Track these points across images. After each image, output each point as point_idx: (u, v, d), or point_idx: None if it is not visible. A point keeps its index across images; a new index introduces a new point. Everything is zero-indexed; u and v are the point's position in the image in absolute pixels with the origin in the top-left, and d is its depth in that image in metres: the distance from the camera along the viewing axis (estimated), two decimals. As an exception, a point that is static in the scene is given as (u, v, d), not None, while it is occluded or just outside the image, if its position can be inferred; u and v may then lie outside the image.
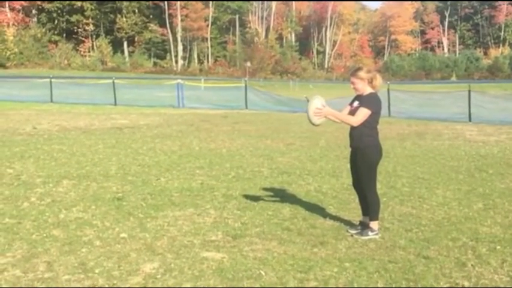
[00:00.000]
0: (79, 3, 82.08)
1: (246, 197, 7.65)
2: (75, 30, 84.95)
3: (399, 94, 25.10)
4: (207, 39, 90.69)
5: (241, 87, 30.09)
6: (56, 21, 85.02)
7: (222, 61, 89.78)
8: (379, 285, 4.54)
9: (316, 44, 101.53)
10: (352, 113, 5.83)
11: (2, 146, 12.19)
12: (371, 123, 5.80)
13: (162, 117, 21.33)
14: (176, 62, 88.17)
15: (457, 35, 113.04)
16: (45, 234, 5.80)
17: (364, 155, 5.85)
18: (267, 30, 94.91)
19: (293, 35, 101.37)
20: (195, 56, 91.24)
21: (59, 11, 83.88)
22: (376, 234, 5.80)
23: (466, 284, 4.58)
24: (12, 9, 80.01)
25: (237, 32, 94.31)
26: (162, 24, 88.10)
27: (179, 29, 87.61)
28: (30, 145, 12.48)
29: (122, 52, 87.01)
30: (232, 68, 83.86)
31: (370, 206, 5.92)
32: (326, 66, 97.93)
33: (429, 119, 21.00)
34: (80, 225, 6.17)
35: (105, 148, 12.28)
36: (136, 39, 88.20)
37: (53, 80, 31.73)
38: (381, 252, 5.35)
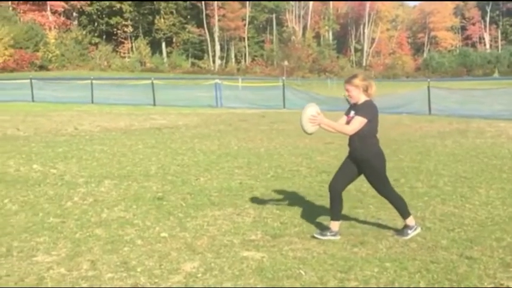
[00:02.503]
0: (118, 5, 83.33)
1: (285, 196, 7.65)
2: (115, 32, 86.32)
3: (440, 91, 24.69)
4: (244, 38, 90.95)
5: (278, 86, 30.10)
6: (96, 24, 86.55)
7: (259, 60, 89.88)
8: (421, 286, 4.48)
9: (354, 41, 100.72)
10: (349, 123, 5.71)
11: (46, 147, 12.46)
12: (371, 132, 5.69)
13: (200, 117, 21.49)
14: (214, 61, 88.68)
15: (499, 31, 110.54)
16: (88, 233, 5.91)
17: (372, 166, 5.76)
18: (304, 28, 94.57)
19: (330, 33, 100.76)
20: (233, 55, 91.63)
21: (99, 13, 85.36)
22: (415, 229, 5.73)
23: (511, 284, 4.48)
24: (53, 12, 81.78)
25: (274, 31, 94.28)
26: (200, 25, 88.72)
27: (216, 29, 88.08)
28: (72, 146, 12.73)
29: (160, 53, 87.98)
30: (269, 67, 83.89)
31: (396, 207, 5.85)
32: (364, 64, 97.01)
33: (471, 117, 20.60)
34: (122, 224, 6.27)
35: (145, 148, 12.44)
36: (174, 39, 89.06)
37: (93, 81, 32.28)
38: (422, 252, 5.28)
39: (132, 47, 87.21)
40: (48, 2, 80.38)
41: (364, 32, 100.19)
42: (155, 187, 8.27)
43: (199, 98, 30.03)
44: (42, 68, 70.54)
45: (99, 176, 9.12)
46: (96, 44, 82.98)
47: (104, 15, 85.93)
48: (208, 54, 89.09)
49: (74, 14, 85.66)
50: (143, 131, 16.20)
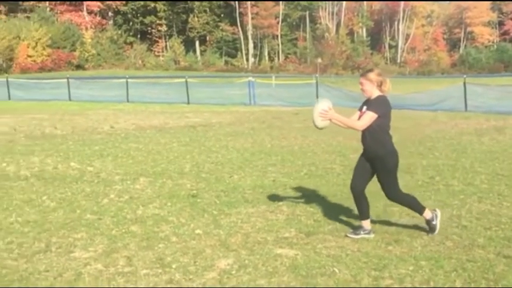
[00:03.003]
0: (152, 5, 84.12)
1: (319, 194, 7.64)
2: (149, 31, 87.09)
3: (476, 88, 24.23)
4: (277, 36, 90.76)
5: (312, 83, 29.96)
6: (131, 23, 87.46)
7: (292, 58, 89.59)
8: (456, 285, 4.43)
9: (388, 38, 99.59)
10: (361, 118, 5.66)
11: (83, 145, 12.68)
12: (382, 128, 5.59)
13: (234, 115, 21.56)
14: (247, 59, 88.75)
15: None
16: (124, 230, 6.01)
17: (385, 162, 5.66)
18: (338, 25, 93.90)
19: (364, 29, 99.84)
20: (266, 53, 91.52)
21: (134, 13, 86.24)
22: (435, 223, 5.66)
23: (550, 285, 4.40)
24: (89, 12, 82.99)
25: (308, 29, 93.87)
26: (233, 23, 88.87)
27: (250, 27, 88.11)
28: (108, 144, 12.92)
29: (194, 51, 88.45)
30: (303, 65, 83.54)
31: (408, 207, 5.80)
32: (399, 60, 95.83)
33: (508, 113, 20.16)
34: (157, 221, 6.35)
35: (179, 146, 12.55)
36: (208, 38, 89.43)
37: (128, 80, 32.65)
38: (458, 250, 5.21)
39: (166, 45, 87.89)
40: (84, 2, 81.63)
41: (398, 28, 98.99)
42: (189, 185, 8.35)
43: (232, 96, 30.11)
44: (78, 67, 71.69)
45: (134, 173, 9.25)
46: (131, 43, 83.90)
47: (138, 15, 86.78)
48: (241, 52, 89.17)
49: (110, 13, 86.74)
50: (177, 129, 16.34)
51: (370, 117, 5.51)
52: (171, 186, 8.28)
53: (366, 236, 5.63)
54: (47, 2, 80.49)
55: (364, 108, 5.66)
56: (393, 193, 5.72)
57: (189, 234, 5.84)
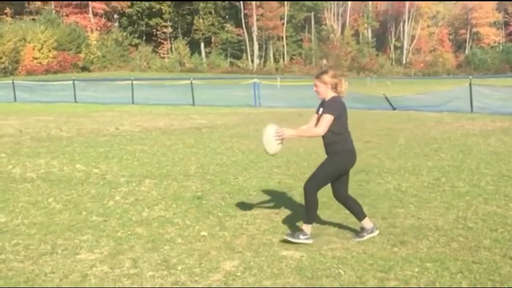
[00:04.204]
0: (158, 6, 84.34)
1: (323, 195, 7.58)
2: (154, 33, 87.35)
3: (482, 89, 24.18)
4: (282, 37, 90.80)
5: (317, 85, 29.89)
6: (136, 25, 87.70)
7: (297, 59, 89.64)
8: (463, 286, 4.43)
9: (393, 39, 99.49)
10: (318, 120, 5.58)
11: (88, 147, 12.72)
12: (336, 129, 5.49)
13: (239, 116, 21.58)
14: (252, 61, 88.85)
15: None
16: (129, 232, 6.02)
17: (332, 160, 5.59)
18: (343, 26, 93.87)
19: (369, 30, 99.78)
20: (271, 54, 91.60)
21: (139, 15, 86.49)
22: (308, 238, 5.49)
23: (557, 286, 4.38)
24: (95, 14, 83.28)
25: (313, 30, 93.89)
26: (238, 24, 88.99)
27: (255, 28, 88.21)
28: (113, 146, 12.95)
29: (199, 53, 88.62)
30: (308, 66, 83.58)
31: (307, 207, 5.61)
32: (404, 61, 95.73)
33: (515, 114, 20.13)
34: (162, 223, 6.36)
35: (184, 148, 12.57)
36: (213, 39, 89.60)
37: (134, 82, 32.71)
38: (464, 252, 5.20)
39: (171, 47, 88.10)
40: (89, 4, 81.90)
41: (404, 29, 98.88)
42: (194, 186, 8.36)
43: (237, 97, 30.14)
44: (84, 69, 71.97)
45: (139, 175, 9.26)
46: (136, 45, 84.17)
47: (144, 17, 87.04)
48: (246, 54, 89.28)
49: (115, 15, 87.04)
50: (183, 130, 16.37)
51: (327, 120, 5.42)
52: (176, 188, 8.29)
53: (371, 235, 5.62)
54: (53, 4, 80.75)
55: (320, 110, 5.59)
56: (311, 187, 5.55)
57: (195, 236, 5.85)
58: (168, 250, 5.41)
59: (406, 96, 27.28)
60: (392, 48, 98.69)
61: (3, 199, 7.59)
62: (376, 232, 5.67)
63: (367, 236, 5.62)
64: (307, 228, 5.54)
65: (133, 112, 24.34)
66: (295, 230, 5.67)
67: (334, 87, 5.57)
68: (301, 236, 5.47)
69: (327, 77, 5.55)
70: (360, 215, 5.75)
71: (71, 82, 34.16)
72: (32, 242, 5.71)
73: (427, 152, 11.40)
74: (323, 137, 5.56)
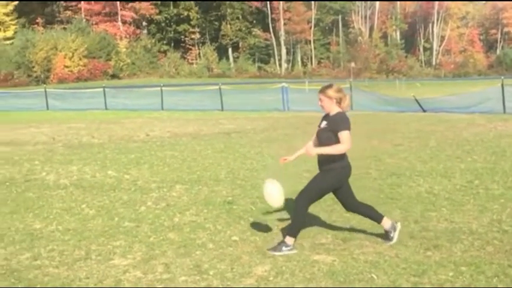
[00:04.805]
0: (186, 13, 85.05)
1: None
2: (182, 39, 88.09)
3: (515, 89, 23.75)
4: (310, 41, 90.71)
5: (345, 88, 29.77)
6: (165, 32, 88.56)
7: (325, 63, 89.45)
8: (498, 291, 4.35)
9: (422, 40, 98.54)
10: (319, 134, 5.60)
11: (119, 153, 12.86)
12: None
13: (267, 121, 21.59)
14: (280, 65, 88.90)
15: None
16: (161, 237, 6.07)
17: (324, 175, 5.56)
18: (371, 29, 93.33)
19: (398, 32, 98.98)
20: (299, 58, 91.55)
21: (167, 22, 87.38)
22: (291, 250, 5.42)
23: None
24: (124, 22, 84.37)
25: (340, 33, 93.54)
26: (266, 29, 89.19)
27: (282, 32, 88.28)
28: (144, 152, 13.08)
29: (227, 58, 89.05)
30: (336, 69, 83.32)
31: (293, 220, 5.59)
32: (434, 63, 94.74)
33: (549, 115, 19.73)
34: (194, 228, 6.40)
35: (214, 153, 12.62)
36: (240, 44, 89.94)
37: (163, 88, 32.99)
38: (499, 255, 5.11)
39: (199, 53, 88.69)
40: (118, 12, 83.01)
41: (433, 31, 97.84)
42: (225, 191, 8.38)
43: (266, 102, 30.16)
44: (114, 76, 72.92)
45: (170, 181, 9.33)
46: (164, 52, 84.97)
47: (172, 23, 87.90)
48: (274, 58, 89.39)
49: (144, 23, 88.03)
50: (212, 136, 16.44)
51: (347, 135, 5.41)
52: (206, 193, 8.33)
53: (396, 233, 5.59)
54: (83, 13, 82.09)
55: (324, 123, 5.59)
56: (303, 201, 5.55)
57: (226, 241, 5.87)
58: (200, 255, 5.44)
59: (437, 98, 26.97)
60: (421, 49, 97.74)
61: (38, 206, 7.73)
62: (399, 226, 5.66)
63: (395, 235, 5.59)
64: (289, 240, 5.48)
65: (163, 118, 24.53)
66: (277, 244, 5.54)
67: (339, 102, 5.55)
68: (283, 248, 5.43)
69: (331, 92, 5.54)
70: (376, 217, 5.72)
71: (101, 89, 34.61)
72: (67, 247, 5.80)
73: (459, 154, 11.24)
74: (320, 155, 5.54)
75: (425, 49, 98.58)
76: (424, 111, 23.03)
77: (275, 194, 5.68)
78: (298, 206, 5.55)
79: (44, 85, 46.31)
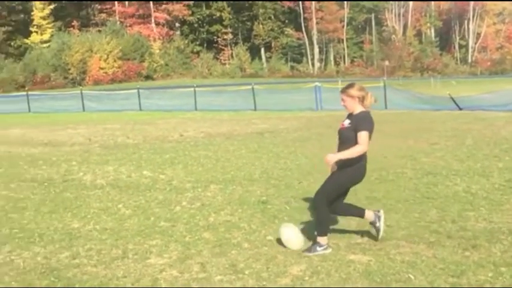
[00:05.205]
0: (218, 14, 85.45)
1: (390, 199, 7.51)
2: (215, 40, 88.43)
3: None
4: (342, 40, 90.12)
5: (379, 86, 29.52)
6: (197, 32, 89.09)
7: (358, 61, 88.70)
8: (540, 292, 4.26)
9: (457, 37, 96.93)
10: (341, 132, 5.61)
11: (154, 154, 12.99)
12: None
13: (300, 120, 21.53)
14: (313, 65, 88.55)
15: None
16: (197, 237, 6.11)
17: (343, 173, 5.52)
18: (405, 27, 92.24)
19: (432, 29, 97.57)
20: (331, 58, 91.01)
21: (200, 22, 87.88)
22: (326, 249, 5.39)
23: None
24: (157, 24, 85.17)
25: (374, 31, 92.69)
26: (298, 28, 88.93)
27: (315, 31, 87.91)
28: (178, 152, 13.18)
29: (260, 58, 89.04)
30: (369, 68, 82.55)
31: (318, 220, 5.57)
32: (469, 60, 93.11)
33: None
34: (229, 228, 6.42)
35: (248, 153, 12.64)
36: (273, 44, 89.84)
37: (196, 88, 33.18)
38: (540, 256, 5.00)
39: (232, 53, 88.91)
40: (152, 14, 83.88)
41: (468, 28, 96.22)
42: (259, 191, 8.39)
43: (299, 101, 30.07)
44: (148, 77, 73.66)
45: (205, 180, 9.38)
46: (197, 52, 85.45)
47: (204, 24, 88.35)
48: (307, 58, 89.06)
49: (176, 24, 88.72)
50: (245, 135, 16.47)
51: (366, 136, 5.38)
52: (241, 193, 8.35)
53: (381, 222, 5.60)
54: (117, 16, 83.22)
55: (347, 122, 5.58)
56: (320, 198, 5.52)
57: (261, 241, 5.87)
58: (235, 254, 5.46)
59: (473, 95, 26.50)
60: (456, 47, 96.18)
61: (76, 205, 7.86)
62: (382, 214, 5.65)
63: (380, 224, 5.58)
64: (322, 239, 5.46)
65: (197, 118, 24.69)
66: (311, 245, 5.53)
67: (362, 100, 5.55)
68: (317, 248, 5.42)
69: (353, 91, 5.55)
70: (358, 213, 5.70)
71: (136, 91, 35.00)
72: (104, 247, 5.88)
73: (497, 153, 11.03)
74: (342, 149, 5.54)
75: (460, 46, 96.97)
76: (460, 109, 22.67)
77: (293, 237, 5.61)
78: (317, 205, 5.58)
79: (80, 87, 47.08)
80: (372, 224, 5.69)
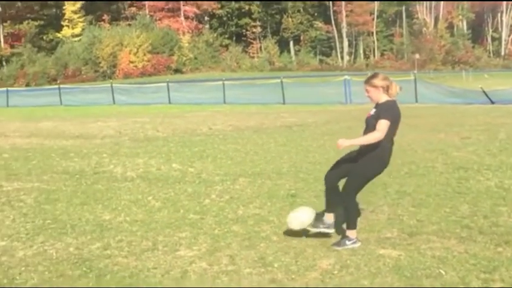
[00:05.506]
0: (247, 7, 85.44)
1: (421, 193, 7.44)
2: (244, 33, 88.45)
3: None
4: (372, 33, 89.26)
5: (410, 80, 29.21)
6: (226, 26, 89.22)
7: (389, 54, 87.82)
8: None
9: (490, 30, 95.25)
10: (367, 121, 5.47)
11: (183, 147, 13.07)
12: (386, 135, 5.31)
13: (329, 114, 21.44)
14: (342, 58, 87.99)
15: None
16: (226, 230, 6.14)
17: (367, 163, 5.41)
18: (436, 19, 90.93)
19: (465, 22, 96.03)
20: (361, 51, 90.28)
21: (229, 16, 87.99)
22: (355, 243, 5.32)
23: None
24: (186, 17, 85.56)
25: (404, 24, 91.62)
26: (327, 21, 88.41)
27: (344, 24, 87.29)
28: (207, 145, 13.24)
29: (288, 51, 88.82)
30: (399, 61, 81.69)
31: (346, 214, 5.48)
32: (503, 53, 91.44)
33: None
34: (258, 221, 6.43)
35: (276, 146, 12.64)
36: (301, 38, 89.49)
37: (225, 82, 33.28)
38: None
39: (260, 47, 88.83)
40: (181, 8, 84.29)
41: (502, 20, 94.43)
42: (288, 185, 8.39)
43: (328, 95, 29.95)
44: (177, 71, 74.12)
45: (233, 174, 9.41)
46: (226, 46, 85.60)
47: (233, 17, 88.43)
48: (336, 51, 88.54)
49: (206, 17, 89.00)
50: (274, 129, 16.47)
51: (385, 124, 5.29)
52: (270, 186, 8.35)
53: (326, 230, 5.55)
54: (147, 10, 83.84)
55: (373, 111, 5.50)
56: (348, 194, 5.46)
57: (290, 234, 5.87)
58: (264, 248, 5.47)
59: (506, 89, 26.04)
60: (489, 39, 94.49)
61: (107, 197, 7.96)
62: (332, 230, 5.58)
63: (322, 230, 5.54)
64: (351, 233, 5.42)
65: (225, 112, 24.76)
66: (341, 239, 5.49)
67: (386, 90, 5.48)
68: (347, 242, 5.37)
69: (377, 81, 5.48)
70: (333, 206, 5.64)
71: (165, 84, 35.28)
72: (135, 238, 5.94)
73: (530, 148, 10.83)
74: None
75: (493, 39, 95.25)
76: (493, 103, 22.29)
77: (297, 217, 5.67)
78: (345, 198, 5.52)
79: (110, 80, 47.59)
80: (325, 223, 5.60)
